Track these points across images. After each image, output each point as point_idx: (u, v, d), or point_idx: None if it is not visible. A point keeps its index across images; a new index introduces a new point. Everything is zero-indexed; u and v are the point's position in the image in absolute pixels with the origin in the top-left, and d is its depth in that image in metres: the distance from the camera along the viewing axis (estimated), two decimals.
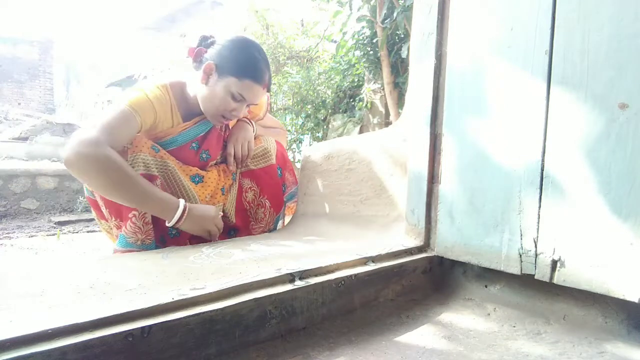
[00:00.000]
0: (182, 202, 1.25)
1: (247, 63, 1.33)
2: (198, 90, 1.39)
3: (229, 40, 1.37)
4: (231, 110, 1.37)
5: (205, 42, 1.41)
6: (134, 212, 1.25)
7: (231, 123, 1.54)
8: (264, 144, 1.59)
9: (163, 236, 1.34)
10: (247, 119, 1.59)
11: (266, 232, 1.54)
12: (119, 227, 1.29)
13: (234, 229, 1.53)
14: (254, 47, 1.37)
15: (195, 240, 1.39)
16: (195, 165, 1.44)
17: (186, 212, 1.24)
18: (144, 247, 1.26)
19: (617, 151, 0.76)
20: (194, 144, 1.43)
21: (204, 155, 1.46)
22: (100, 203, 1.32)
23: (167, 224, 1.24)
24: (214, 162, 1.52)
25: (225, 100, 1.34)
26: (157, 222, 1.30)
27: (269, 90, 1.42)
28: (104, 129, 1.18)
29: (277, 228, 1.62)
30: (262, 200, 1.56)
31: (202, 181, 1.44)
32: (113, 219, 1.30)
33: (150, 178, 1.28)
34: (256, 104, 1.42)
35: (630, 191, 0.74)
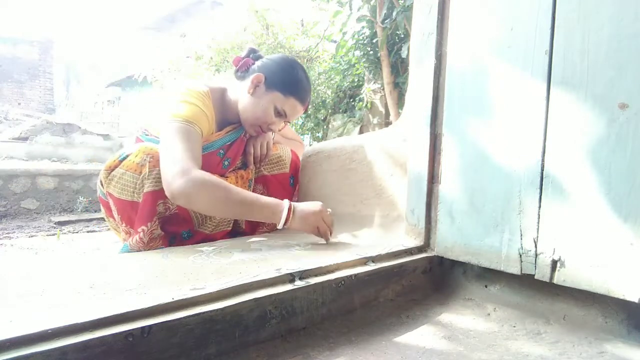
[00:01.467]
0: (286, 202, 1.21)
1: (294, 82, 1.40)
2: (241, 98, 1.42)
3: (278, 57, 1.46)
4: (270, 124, 1.42)
5: (254, 54, 1.47)
6: (143, 227, 1.25)
7: None
8: (280, 152, 1.60)
9: (174, 238, 1.35)
10: None
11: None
12: (127, 233, 1.30)
13: (242, 234, 1.53)
14: (301, 69, 1.44)
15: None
16: (217, 171, 1.43)
17: (292, 211, 1.20)
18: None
19: (617, 151, 0.76)
20: (221, 151, 1.43)
21: (226, 162, 1.47)
22: (113, 208, 1.32)
23: (278, 227, 1.22)
24: (233, 168, 1.52)
25: (268, 113, 1.39)
26: (168, 228, 1.31)
27: (306, 111, 1.46)
28: (181, 155, 1.17)
29: None
30: None
31: None
32: (124, 224, 1.32)
33: None
34: (292, 122, 1.46)
35: (630, 191, 0.74)
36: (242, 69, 1.45)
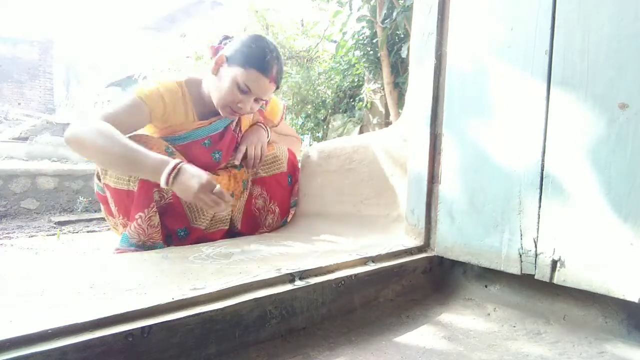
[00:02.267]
0: (172, 162, 1.14)
1: (253, 53, 1.33)
2: (209, 82, 1.40)
3: (243, 36, 1.40)
4: (238, 102, 1.35)
5: (225, 40, 1.44)
6: (140, 213, 1.25)
7: (244, 123, 1.53)
8: (276, 151, 1.60)
9: (170, 237, 1.34)
10: (261, 123, 1.59)
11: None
12: (125, 226, 1.30)
13: (238, 234, 1.53)
14: (265, 42, 1.37)
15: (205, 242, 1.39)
16: (207, 164, 1.43)
17: (173, 173, 1.12)
18: (145, 248, 1.26)
19: (617, 151, 0.76)
20: (206, 141, 1.43)
21: (217, 155, 1.46)
22: (110, 200, 1.32)
23: (161, 185, 1.16)
24: (225, 164, 1.52)
25: (232, 91, 1.33)
26: (164, 223, 1.31)
27: (277, 86, 1.39)
28: (106, 113, 1.22)
29: None
30: (272, 206, 1.57)
31: None
32: (120, 217, 1.31)
33: None
34: (264, 99, 1.40)
35: (630, 191, 0.74)
36: (214, 55, 1.42)
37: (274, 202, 1.57)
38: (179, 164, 1.13)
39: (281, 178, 1.59)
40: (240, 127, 1.53)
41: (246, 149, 1.51)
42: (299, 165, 1.70)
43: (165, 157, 1.16)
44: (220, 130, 1.45)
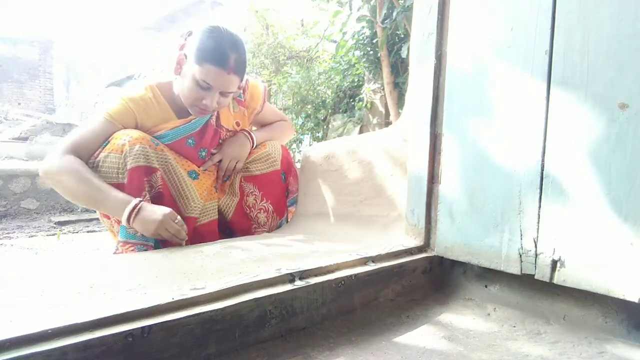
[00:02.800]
0: (134, 201, 1.20)
1: (207, 48, 1.29)
2: (176, 83, 1.40)
3: (199, 30, 1.35)
4: (202, 100, 1.33)
5: (189, 35, 1.39)
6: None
7: (223, 117, 1.51)
8: (268, 149, 1.57)
9: None
10: (247, 132, 1.56)
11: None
12: (119, 222, 1.30)
13: (230, 228, 1.53)
14: (219, 32, 1.32)
15: (199, 236, 1.39)
16: (195, 162, 1.45)
17: (134, 212, 1.19)
18: (143, 239, 1.26)
19: (617, 151, 0.76)
20: (189, 140, 1.43)
21: (202, 153, 1.46)
22: None
23: (122, 223, 1.23)
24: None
25: (193, 90, 1.32)
26: None
27: (239, 75, 1.35)
28: (74, 142, 1.29)
29: None
30: (265, 204, 1.56)
31: (198, 178, 1.45)
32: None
33: (151, 171, 1.29)
34: (230, 92, 1.36)
35: (630, 191, 0.74)
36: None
37: (266, 200, 1.55)
38: (139, 203, 1.20)
39: (274, 176, 1.57)
40: (220, 121, 1.51)
41: (221, 159, 1.50)
42: (293, 160, 1.69)
43: (127, 197, 1.21)
44: (200, 128, 1.44)
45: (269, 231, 1.56)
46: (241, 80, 1.39)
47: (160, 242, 1.33)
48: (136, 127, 1.36)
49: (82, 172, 1.23)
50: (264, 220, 1.55)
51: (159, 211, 1.20)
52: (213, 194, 1.49)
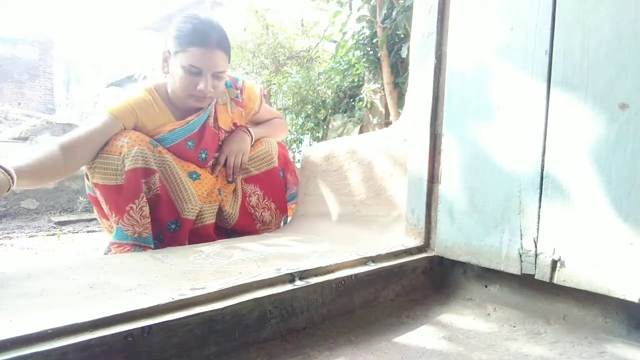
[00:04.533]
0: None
1: (186, 32, 1.30)
2: (168, 82, 1.40)
3: (174, 21, 1.36)
4: (196, 86, 1.33)
5: (167, 35, 1.40)
6: (131, 204, 1.26)
7: (221, 119, 1.52)
8: (265, 147, 1.58)
9: (161, 233, 1.34)
10: (244, 127, 1.57)
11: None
12: (117, 223, 1.30)
13: (234, 232, 1.53)
14: (193, 16, 1.33)
15: (196, 238, 1.39)
16: (196, 164, 1.45)
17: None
18: (140, 240, 1.27)
19: (617, 151, 0.76)
20: (189, 142, 1.43)
21: (202, 155, 1.46)
22: (101, 199, 1.33)
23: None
24: (212, 162, 1.52)
25: (185, 79, 1.32)
26: (155, 218, 1.31)
27: (225, 52, 1.35)
28: (70, 139, 1.25)
29: None
30: (268, 203, 1.56)
31: (199, 178, 1.45)
32: (113, 215, 1.31)
33: (149, 172, 1.29)
34: (221, 72, 1.36)
35: (630, 191, 0.74)
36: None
37: (268, 198, 1.55)
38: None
39: (274, 173, 1.58)
40: (218, 123, 1.51)
41: (226, 158, 1.50)
42: (289, 155, 1.69)
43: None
44: (198, 129, 1.44)
45: (274, 229, 1.56)
46: (229, 58, 1.38)
47: (160, 242, 1.33)
48: (136, 129, 1.36)
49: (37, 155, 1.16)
50: (268, 219, 1.56)
51: None
52: (215, 196, 1.49)
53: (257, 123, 1.70)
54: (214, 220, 1.48)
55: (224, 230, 1.52)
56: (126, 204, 1.26)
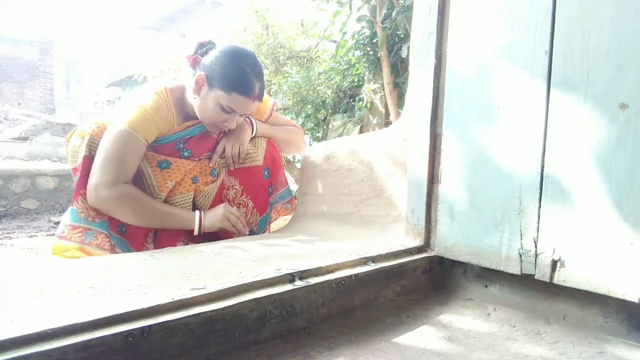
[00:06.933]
0: (196, 214, 1.36)
1: (235, 77, 1.34)
2: (192, 98, 1.41)
3: (220, 51, 1.38)
4: (223, 122, 1.39)
5: (202, 49, 1.42)
6: (82, 189, 1.30)
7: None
8: (251, 144, 1.56)
9: (123, 225, 1.35)
10: (248, 117, 1.54)
11: (248, 234, 1.51)
12: (72, 204, 1.36)
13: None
14: (243, 60, 1.36)
15: (164, 233, 1.40)
16: (174, 155, 1.42)
17: (202, 220, 1.37)
18: (94, 224, 1.30)
19: (617, 151, 0.76)
20: (180, 144, 1.42)
21: (185, 154, 1.43)
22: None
23: (195, 233, 1.37)
24: (198, 159, 1.47)
25: (216, 112, 1.36)
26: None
27: (260, 100, 1.41)
28: (111, 167, 1.28)
29: (263, 231, 1.59)
30: (245, 199, 1.53)
31: (169, 167, 1.40)
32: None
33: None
34: (248, 114, 1.44)
35: (630, 191, 0.74)
36: (193, 67, 1.42)
37: (246, 195, 1.53)
38: (200, 213, 1.38)
39: (256, 171, 1.55)
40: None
41: (224, 148, 1.48)
42: (280, 156, 1.66)
43: (188, 213, 1.39)
44: (197, 135, 1.45)
45: (249, 227, 1.52)
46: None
47: (155, 243, 1.35)
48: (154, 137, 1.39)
49: (143, 201, 1.32)
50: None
51: (216, 210, 1.40)
52: (187, 185, 1.44)
53: None
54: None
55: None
56: (80, 188, 1.31)
